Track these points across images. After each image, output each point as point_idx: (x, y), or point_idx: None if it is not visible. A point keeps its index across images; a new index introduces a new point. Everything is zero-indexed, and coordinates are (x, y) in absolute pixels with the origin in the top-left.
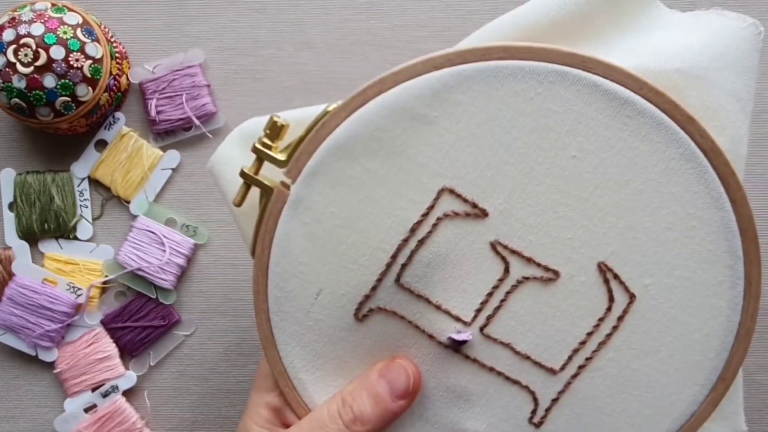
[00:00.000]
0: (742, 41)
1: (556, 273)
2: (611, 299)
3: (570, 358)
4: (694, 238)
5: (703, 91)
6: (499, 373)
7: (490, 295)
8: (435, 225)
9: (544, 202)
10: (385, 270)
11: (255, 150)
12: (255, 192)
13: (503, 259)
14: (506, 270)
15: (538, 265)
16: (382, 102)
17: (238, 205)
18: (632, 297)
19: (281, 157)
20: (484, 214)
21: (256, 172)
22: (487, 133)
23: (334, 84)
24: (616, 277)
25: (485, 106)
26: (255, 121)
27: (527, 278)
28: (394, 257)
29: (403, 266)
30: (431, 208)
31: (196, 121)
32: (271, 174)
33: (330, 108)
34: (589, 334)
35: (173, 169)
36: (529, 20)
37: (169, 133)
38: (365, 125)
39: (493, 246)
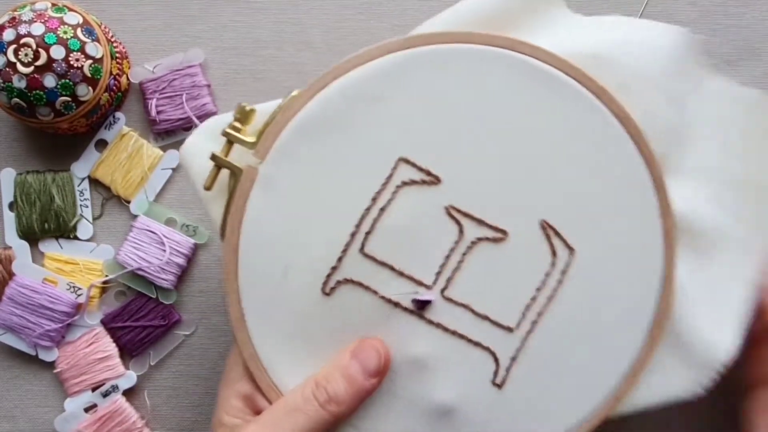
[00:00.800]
0: (640, 32)
1: (504, 232)
2: (554, 254)
3: (523, 314)
4: (617, 192)
5: (614, 73)
6: (462, 336)
7: (447, 257)
8: (394, 193)
9: (489, 166)
10: (350, 240)
11: (225, 134)
12: (223, 178)
13: (457, 222)
14: (461, 232)
15: (489, 226)
16: (341, 84)
17: (209, 187)
18: (572, 251)
19: (250, 139)
20: (437, 180)
21: (226, 155)
22: (435, 107)
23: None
24: (556, 233)
25: (431, 83)
26: (221, 116)
27: (480, 239)
28: (358, 226)
29: (367, 234)
30: (390, 177)
31: (197, 121)
32: (239, 161)
33: (294, 93)
34: (538, 289)
35: (173, 169)
36: (464, 17)
37: (169, 133)
38: (326, 106)
39: (448, 210)
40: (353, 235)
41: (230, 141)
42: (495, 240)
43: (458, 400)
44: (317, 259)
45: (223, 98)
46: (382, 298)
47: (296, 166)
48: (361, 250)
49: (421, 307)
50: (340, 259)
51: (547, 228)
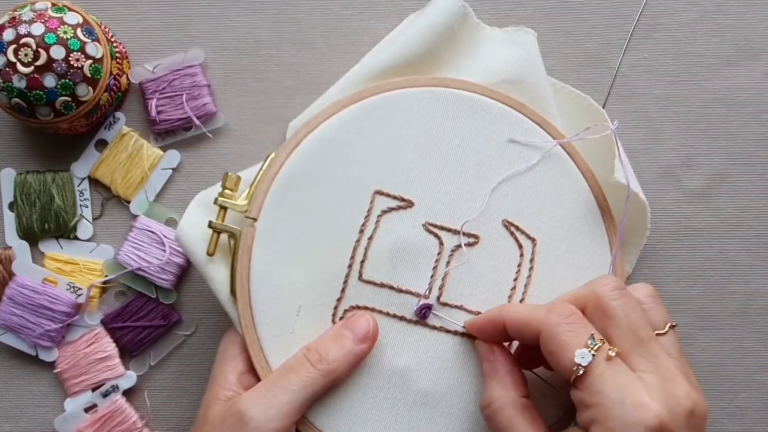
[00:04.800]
0: (534, 46)
1: (476, 237)
2: (520, 246)
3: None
4: (555, 184)
5: (526, 91)
6: (463, 335)
7: (435, 268)
8: (377, 222)
9: (450, 183)
10: (348, 271)
11: (219, 202)
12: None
13: (436, 235)
14: (441, 243)
15: (463, 233)
16: (312, 139)
17: (211, 253)
18: (534, 241)
19: (242, 203)
20: (411, 203)
21: (222, 221)
22: (394, 143)
23: (334, 84)
24: (517, 228)
25: (386, 124)
26: (205, 192)
27: (458, 246)
28: (352, 257)
29: (362, 263)
30: (370, 209)
31: (197, 121)
32: (235, 224)
33: (272, 155)
34: (515, 279)
35: (173, 169)
36: (392, 61)
37: (169, 133)
38: (304, 158)
39: (425, 227)
40: (350, 266)
41: (223, 208)
42: (471, 245)
43: (472, 393)
44: (323, 294)
45: (224, 98)
46: (387, 314)
47: (288, 217)
48: (360, 277)
49: (424, 315)
50: (343, 290)
51: (509, 226)
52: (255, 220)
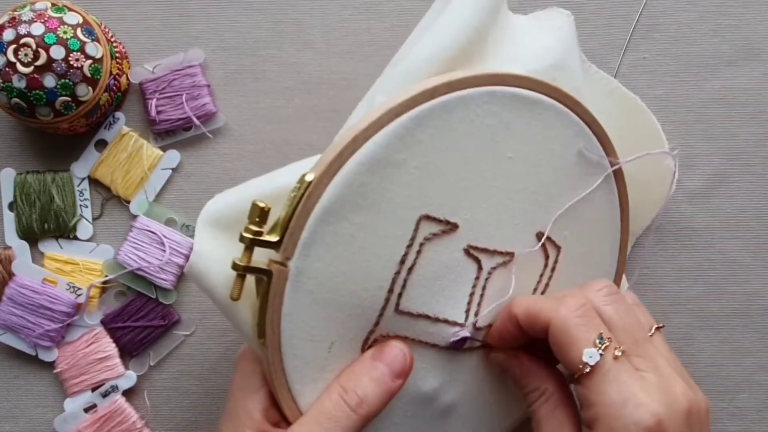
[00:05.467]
0: (570, 27)
1: (511, 254)
2: (547, 257)
3: None
4: (587, 190)
5: (570, 77)
6: (483, 347)
7: (472, 294)
8: (419, 252)
9: (495, 201)
10: (385, 304)
11: (246, 239)
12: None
13: (476, 259)
14: (479, 267)
15: (500, 253)
16: (359, 160)
17: (237, 298)
18: (559, 248)
19: (273, 238)
20: (455, 227)
21: (249, 261)
22: (446, 159)
23: (334, 84)
24: (548, 238)
25: (441, 137)
26: (214, 206)
27: (495, 268)
28: (390, 290)
29: (400, 295)
30: (413, 238)
31: (196, 121)
32: (260, 260)
33: (307, 177)
34: (535, 289)
35: (173, 169)
36: (435, 56)
37: (169, 133)
38: (348, 185)
39: (467, 251)
40: (387, 299)
41: (250, 246)
42: (505, 264)
43: (492, 402)
44: (357, 328)
45: (223, 98)
46: (420, 342)
47: (327, 252)
48: (396, 309)
49: (460, 345)
50: (377, 323)
51: (540, 236)
52: (288, 258)
